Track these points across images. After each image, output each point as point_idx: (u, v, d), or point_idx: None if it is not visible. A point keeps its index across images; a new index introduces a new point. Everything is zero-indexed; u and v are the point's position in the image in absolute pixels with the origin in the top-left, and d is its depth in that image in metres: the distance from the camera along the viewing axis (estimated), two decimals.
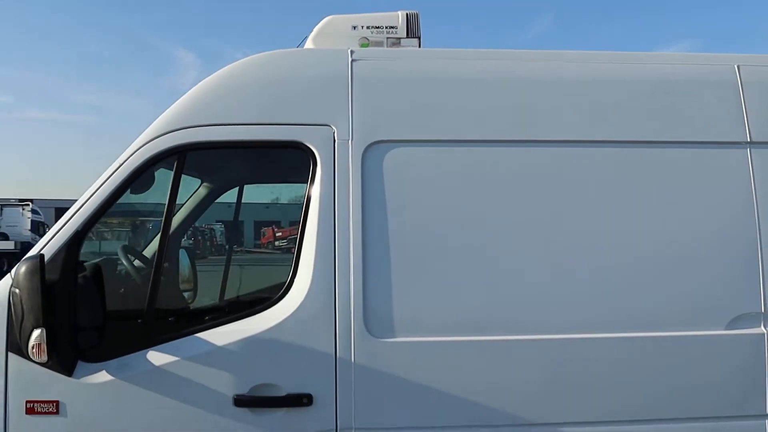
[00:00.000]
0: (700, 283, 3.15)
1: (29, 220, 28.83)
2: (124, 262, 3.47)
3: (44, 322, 2.72)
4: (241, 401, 2.94)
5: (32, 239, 26.34)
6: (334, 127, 3.13)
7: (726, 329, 3.13)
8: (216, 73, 3.23)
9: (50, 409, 2.92)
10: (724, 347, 3.13)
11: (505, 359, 3.05)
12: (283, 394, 2.97)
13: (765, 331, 3.15)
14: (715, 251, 3.17)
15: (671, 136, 3.21)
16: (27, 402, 2.91)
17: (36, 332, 2.73)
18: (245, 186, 4.00)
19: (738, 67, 3.36)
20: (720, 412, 3.13)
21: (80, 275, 3.02)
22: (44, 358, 2.76)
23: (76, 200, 3.05)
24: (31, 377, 2.91)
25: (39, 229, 29.16)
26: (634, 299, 3.12)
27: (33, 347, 2.74)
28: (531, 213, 3.14)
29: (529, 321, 3.07)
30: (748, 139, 3.26)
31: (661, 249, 3.15)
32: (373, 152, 3.13)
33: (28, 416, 2.91)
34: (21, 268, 2.75)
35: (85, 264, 3.22)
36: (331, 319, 2.99)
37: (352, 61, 3.24)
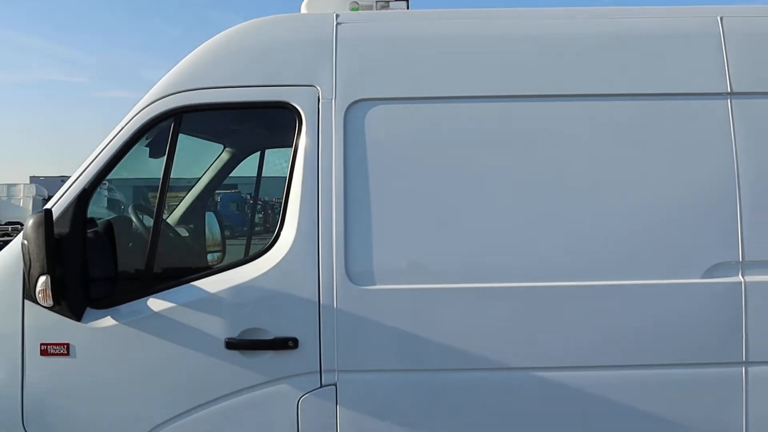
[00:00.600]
0: (678, 232, 3.19)
1: None
2: (134, 220, 3.74)
3: (48, 270, 2.99)
4: (231, 344, 3.17)
5: None
6: (318, 88, 3.30)
7: (703, 278, 3.18)
8: (210, 40, 3.43)
9: (62, 351, 3.21)
10: (701, 296, 3.17)
11: (480, 305, 3.17)
12: (271, 337, 3.17)
13: (742, 280, 3.18)
14: (694, 201, 3.21)
15: (652, 89, 3.26)
16: (41, 344, 3.21)
17: (42, 279, 3.01)
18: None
19: (721, 18, 3.36)
20: (698, 359, 3.18)
21: (91, 230, 3.30)
22: (50, 302, 3.03)
23: None
24: (45, 322, 3.20)
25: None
26: (613, 248, 3.20)
27: (39, 292, 3.02)
28: (510, 166, 3.24)
29: (506, 269, 3.19)
30: (729, 90, 3.27)
31: (639, 199, 3.21)
32: (354, 110, 3.28)
33: (42, 357, 3.21)
34: (29, 222, 3.03)
35: (97, 221, 3.50)
36: (314, 267, 3.18)
37: (337, 24, 3.40)
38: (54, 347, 3.21)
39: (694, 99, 3.27)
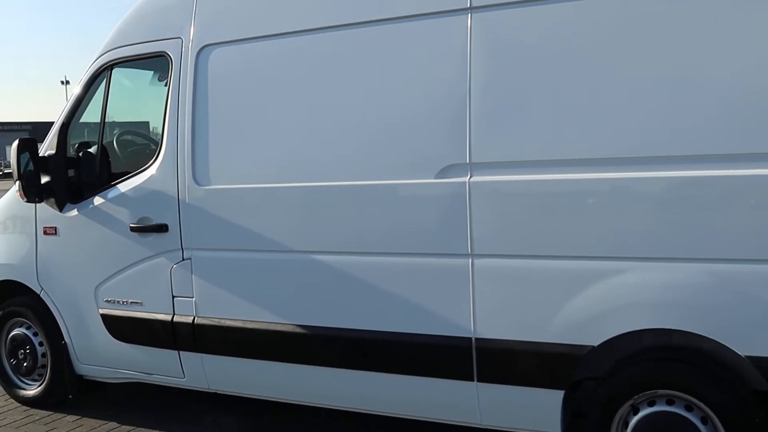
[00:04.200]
0: (415, 137, 3.67)
1: None
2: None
3: (20, 177, 4.63)
4: (132, 228, 4.53)
5: None
6: (183, 38, 4.38)
7: (436, 178, 3.62)
8: (129, 9, 4.72)
9: (53, 231, 4.90)
10: (434, 193, 3.63)
11: (285, 200, 4.04)
12: (154, 223, 4.46)
13: (467, 180, 3.55)
14: (431, 111, 3.63)
15: (392, 13, 3.71)
16: (44, 227, 4.94)
17: (17, 184, 4.68)
18: None
19: None
20: (429, 249, 3.67)
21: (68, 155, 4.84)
22: (24, 200, 4.70)
23: None
24: (46, 214, 4.90)
25: None
26: (369, 153, 3.81)
27: (17, 192, 4.71)
28: (312, 90, 4.00)
29: (305, 173, 3.99)
30: (469, 6, 3.56)
31: (386, 110, 3.75)
32: (203, 54, 4.31)
33: (44, 236, 4.94)
34: (13, 144, 4.70)
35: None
36: (174, 174, 4.36)
37: None
38: (50, 229, 4.92)
39: (435, 17, 3.63)
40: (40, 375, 5.17)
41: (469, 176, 3.55)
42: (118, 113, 4.90)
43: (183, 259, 4.39)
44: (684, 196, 3.15)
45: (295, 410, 4.49)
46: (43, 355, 5.11)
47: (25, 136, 5.11)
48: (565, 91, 3.35)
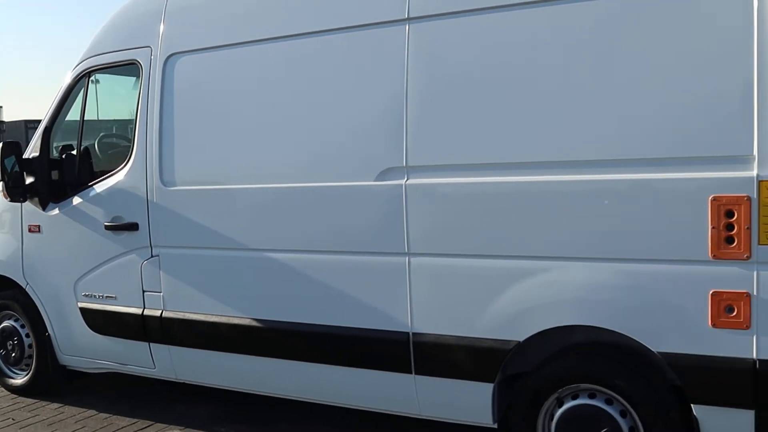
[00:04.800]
0: (359, 142, 3.86)
1: None
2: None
3: (5, 178, 4.92)
4: (107, 226, 4.79)
5: None
6: (152, 47, 4.63)
7: (376, 180, 3.81)
8: (107, 19, 4.98)
9: (37, 229, 5.18)
10: (374, 195, 3.82)
11: (241, 201, 4.27)
12: (125, 222, 4.71)
13: (404, 183, 3.73)
14: (372, 117, 3.82)
15: (340, 23, 3.90)
16: (29, 225, 5.23)
17: (1, 184, 4.97)
18: None
19: None
20: (371, 248, 3.86)
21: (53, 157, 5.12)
22: (8, 198, 5.00)
23: None
24: (31, 212, 5.19)
25: None
26: (316, 156, 4.01)
27: (1, 192, 5.00)
28: (265, 99, 4.22)
29: (264, 174, 4.20)
30: (407, 17, 3.74)
31: (332, 116, 3.95)
32: (170, 62, 4.55)
33: (29, 233, 5.23)
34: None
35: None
36: (144, 176, 4.60)
37: None
38: (34, 227, 5.21)
39: (379, 27, 3.81)
40: (27, 365, 5.46)
41: (405, 179, 3.73)
42: (95, 117, 5.15)
43: (152, 256, 4.64)
44: (601, 198, 3.30)
45: (263, 401, 4.71)
46: (30, 346, 5.41)
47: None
48: (492, 99, 3.52)
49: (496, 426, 3.73)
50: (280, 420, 4.78)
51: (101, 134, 5.37)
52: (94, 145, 5.23)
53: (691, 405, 3.23)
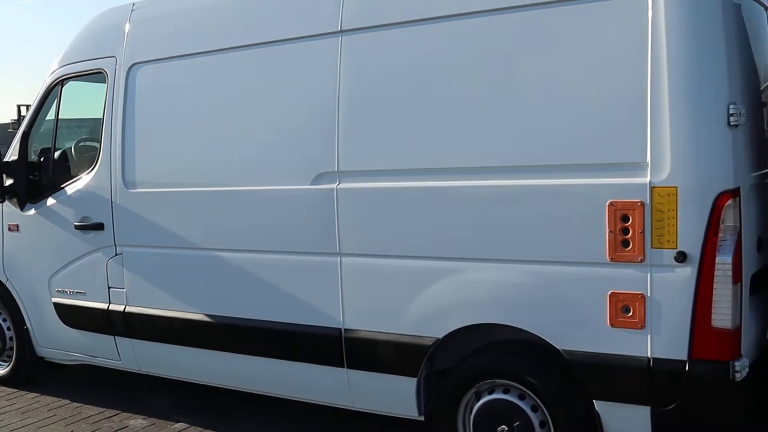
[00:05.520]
0: (297, 148, 4.08)
1: None
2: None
3: None
4: (76, 226, 5.06)
5: None
6: (116, 57, 4.89)
7: (311, 184, 4.02)
8: (78, 31, 5.26)
9: (15, 228, 5.49)
10: (309, 198, 4.03)
11: (196, 203, 4.51)
12: (92, 222, 4.99)
13: (335, 187, 3.93)
14: (307, 125, 4.03)
15: (276, 36, 4.13)
16: (8, 225, 5.53)
17: None
18: None
19: None
20: (307, 248, 4.07)
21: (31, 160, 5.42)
22: None
23: None
24: (10, 213, 5.49)
25: None
26: (258, 162, 4.24)
27: None
28: (217, 103, 4.45)
29: (211, 178, 4.45)
30: (340, 29, 3.94)
31: (273, 123, 4.18)
32: (132, 71, 4.80)
33: (8, 232, 5.53)
34: None
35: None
36: (108, 179, 4.87)
37: (132, 11, 4.90)
38: (13, 226, 5.51)
39: (315, 39, 4.02)
40: (9, 357, 5.77)
41: (337, 183, 3.94)
42: (67, 122, 5.43)
43: (116, 254, 4.90)
44: (507, 203, 3.47)
45: (227, 393, 4.94)
46: (11, 338, 5.71)
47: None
48: (411, 108, 3.71)
49: (422, 419, 3.91)
50: (240, 410, 5.01)
51: (78, 138, 5.65)
52: (71, 148, 5.49)
53: (593, 401, 3.38)
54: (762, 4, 3.41)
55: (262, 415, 4.91)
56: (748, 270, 3.25)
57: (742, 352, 3.18)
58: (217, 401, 5.15)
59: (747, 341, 3.26)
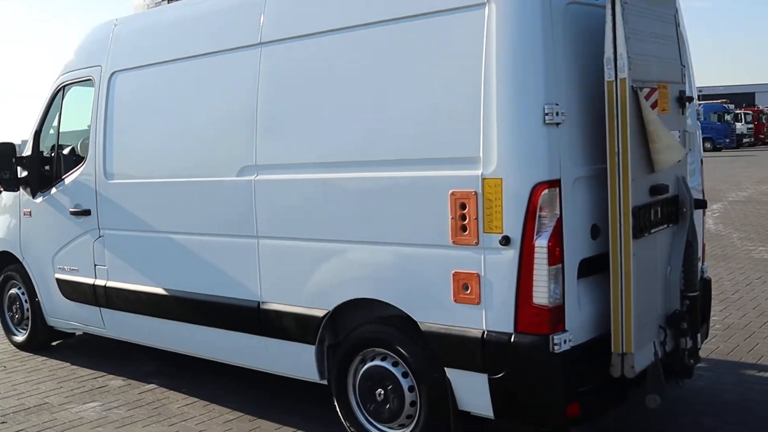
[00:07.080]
0: (228, 144, 4.70)
1: None
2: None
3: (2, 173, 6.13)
4: (71, 212, 5.89)
5: None
6: (102, 66, 5.68)
7: (237, 176, 4.64)
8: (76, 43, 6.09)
9: (29, 213, 6.39)
10: (235, 188, 4.65)
11: (153, 192, 5.23)
12: (83, 209, 5.80)
13: (253, 178, 4.53)
14: (236, 122, 4.65)
15: (213, 48, 4.77)
16: (23, 211, 6.45)
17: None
18: None
19: None
20: (235, 232, 4.68)
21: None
22: (2, 190, 6.21)
23: None
24: (25, 199, 6.41)
25: None
26: (199, 156, 4.91)
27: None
28: (170, 106, 5.15)
29: (165, 171, 5.15)
30: (260, 41, 4.54)
31: (210, 122, 4.82)
32: (113, 78, 5.57)
33: (24, 216, 6.45)
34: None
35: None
36: (93, 172, 5.67)
37: (115, 25, 5.68)
38: (27, 212, 6.42)
39: (242, 50, 4.64)
40: (26, 325, 6.69)
41: (255, 175, 4.54)
42: (68, 123, 6.28)
43: (100, 236, 5.69)
44: (371, 192, 3.98)
45: (207, 365, 5.60)
46: (28, 309, 6.63)
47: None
48: (307, 110, 4.27)
49: (326, 383, 4.45)
50: (210, 377, 5.67)
51: (83, 137, 6.50)
52: (77, 145, 6.33)
53: (444, 368, 3.83)
54: (601, 7, 3.66)
55: (231, 381, 5.51)
56: (576, 254, 3.60)
57: (567, 328, 3.54)
58: (193, 370, 5.79)
59: (578, 319, 3.60)
